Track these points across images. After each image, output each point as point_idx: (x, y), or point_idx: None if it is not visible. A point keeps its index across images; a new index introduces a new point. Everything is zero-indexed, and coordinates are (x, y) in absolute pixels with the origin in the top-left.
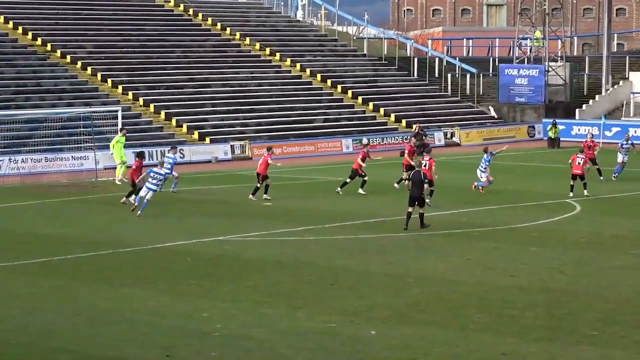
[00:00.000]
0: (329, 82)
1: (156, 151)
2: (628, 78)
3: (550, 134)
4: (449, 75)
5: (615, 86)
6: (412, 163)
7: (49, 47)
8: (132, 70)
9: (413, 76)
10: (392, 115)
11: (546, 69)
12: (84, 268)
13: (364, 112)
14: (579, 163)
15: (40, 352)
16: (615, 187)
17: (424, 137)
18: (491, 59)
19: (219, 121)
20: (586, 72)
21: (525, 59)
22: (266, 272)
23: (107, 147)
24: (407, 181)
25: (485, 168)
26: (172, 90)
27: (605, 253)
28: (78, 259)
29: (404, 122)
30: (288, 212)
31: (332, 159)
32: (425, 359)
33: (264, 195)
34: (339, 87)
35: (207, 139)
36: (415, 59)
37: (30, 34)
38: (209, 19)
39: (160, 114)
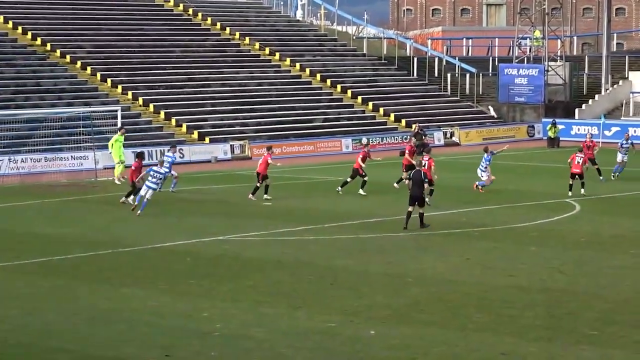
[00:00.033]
0: (328, 81)
1: (156, 151)
2: (627, 78)
3: (550, 134)
4: (449, 75)
5: (615, 86)
6: (413, 162)
7: (48, 47)
8: (131, 70)
9: (412, 76)
10: (392, 115)
11: (546, 68)
12: (83, 268)
13: (363, 111)
14: (578, 162)
15: (39, 352)
16: (615, 186)
17: (423, 137)
18: (491, 58)
19: (219, 121)
20: (586, 71)
21: (525, 59)
22: (266, 271)
23: (107, 147)
24: (407, 180)
25: (485, 167)
26: (171, 90)
27: (604, 253)
28: (77, 258)
29: (403, 121)
30: (288, 211)
31: (332, 158)
32: (425, 359)
33: (265, 196)
34: (339, 86)
35: (207, 139)
36: (415, 59)
37: (29, 33)
38: (209, 18)
39: (159, 113)
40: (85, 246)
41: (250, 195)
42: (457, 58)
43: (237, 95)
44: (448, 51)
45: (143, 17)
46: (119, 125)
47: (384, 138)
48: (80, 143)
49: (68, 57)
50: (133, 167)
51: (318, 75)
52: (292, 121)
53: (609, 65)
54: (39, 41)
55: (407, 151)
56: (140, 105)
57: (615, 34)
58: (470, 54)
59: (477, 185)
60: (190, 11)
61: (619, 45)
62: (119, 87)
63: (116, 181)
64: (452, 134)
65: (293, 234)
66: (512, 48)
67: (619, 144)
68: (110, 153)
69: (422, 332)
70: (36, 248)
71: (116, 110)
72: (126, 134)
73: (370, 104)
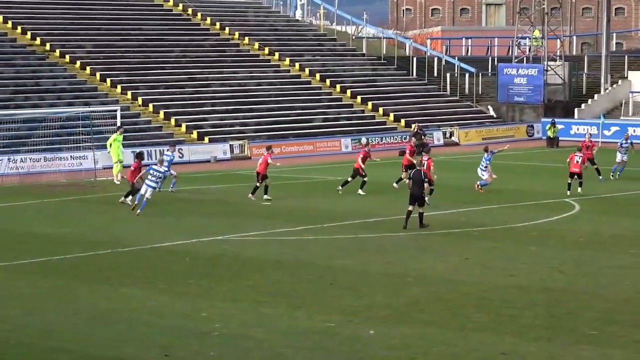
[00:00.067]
0: (327, 81)
1: (155, 151)
2: (627, 77)
3: (549, 134)
4: (448, 75)
5: (614, 85)
6: (414, 162)
7: (47, 47)
8: (131, 70)
9: (412, 76)
10: (391, 115)
11: (545, 68)
12: (83, 268)
13: (362, 111)
14: (577, 161)
15: (40, 352)
16: (615, 186)
17: (423, 137)
18: (490, 58)
19: (218, 120)
20: (585, 71)
21: (524, 59)
22: (265, 271)
23: (106, 147)
24: (408, 180)
25: (485, 167)
26: (171, 89)
27: (604, 252)
28: (77, 258)
29: (402, 121)
30: (287, 211)
31: (331, 158)
32: (424, 359)
33: (265, 196)
34: (338, 86)
35: (206, 139)
36: (414, 59)
37: (29, 33)
38: (208, 18)
39: (159, 113)
40: (85, 246)
41: (250, 194)
42: (456, 58)
43: (236, 95)
44: (447, 51)
45: (142, 17)
46: (118, 123)
47: (383, 138)
48: (79, 143)
49: (67, 56)
50: (132, 168)
51: (317, 75)
52: (292, 121)
53: (608, 65)
54: (38, 41)
55: (407, 151)
56: (139, 105)
57: (614, 34)
58: (469, 54)
59: (478, 185)
60: (190, 11)
61: (619, 45)
62: (119, 87)
63: (115, 180)
64: (451, 134)
65: (292, 233)
66: (511, 48)
67: (619, 144)
68: (109, 152)
69: (421, 331)
70: (36, 248)
71: (115, 110)
72: (126, 134)
73: (370, 103)
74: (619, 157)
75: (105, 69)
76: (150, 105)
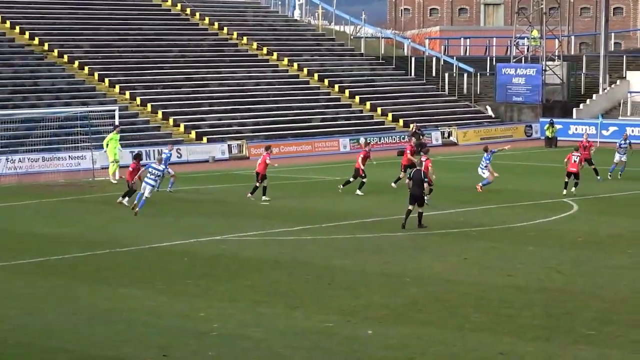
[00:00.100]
0: (326, 81)
1: (153, 150)
2: (625, 77)
3: (548, 134)
4: (446, 75)
5: (613, 85)
6: (414, 161)
7: (46, 47)
8: (129, 70)
9: (410, 75)
10: (390, 115)
11: (543, 68)
12: (81, 268)
13: (361, 111)
14: (574, 161)
15: (38, 352)
16: (613, 186)
17: (421, 137)
18: (488, 58)
19: (216, 120)
20: (583, 71)
21: (523, 58)
22: (263, 271)
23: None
24: (408, 180)
25: (485, 166)
26: (169, 89)
27: (602, 252)
28: (75, 258)
29: (401, 121)
30: (285, 211)
31: (330, 158)
32: (422, 359)
33: (263, 197)
34: (336, 86)
35: (205, 139)
36: (413, 59)
37: (27, 33)
38: (206, 18)
39: (157, 113)
40: (83, 246)
41: (249, 194)
42: (454, 58)
43: (234, 95)
44: (446, 51)
45: (141, 16)
46: (117, 123)
47: (382, 138)
48: (77, 143)
49: (66, 56)
50: (130, 169)
51: (316, 75)
52: (290, 121)
53: (607, 65)
54: (36, 41)
55: (408, 151)
56: (137, 105)
57: (612, 34)
58: (467, 54)
59: (479, 188)
60: (188, 11)
61: (617, 44)
62: (117, 86)
63: (111, 180)
64: (449, 134)
65: (291, 233)
66: (509, 48)
67: (617, 145)
68: (105, 152)
69: (419, 331)
70: (34, 248)
71: (114, 110)
72: (124, 134)
73: (368, 103)
74: (617, 157)
75: (104, 68)
76: (149, 105)
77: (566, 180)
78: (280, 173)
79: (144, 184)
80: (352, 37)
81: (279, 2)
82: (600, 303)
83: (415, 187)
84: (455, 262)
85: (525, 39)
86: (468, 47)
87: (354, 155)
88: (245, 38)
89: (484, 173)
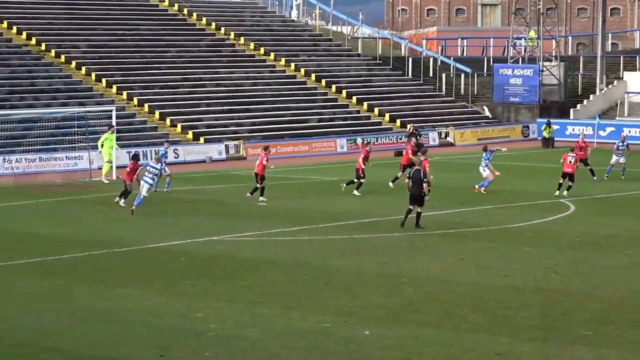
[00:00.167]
0: (323, 81)
1: (150, 151)
2: (622, 78)
3: (545, 134)
4: (444, 75)
5: (610, 86)
6: (415, 161)
7: (43, 47)
8: (126, 70)
9: (407, 76)
10: (387, 115)
11: (540, 68)
12: (79, 268)
13: (358, 112)
14: (570, 162)
15: (37, 352)
16: (610, 187)
17: (418, 137)
18: (485, 58)
19: (214, 121)
20: (580, 71)
21: (520, 59)
22: (261, 272)
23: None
24: (407, 179)
25: (486, 165)
26: (166, 90)
27: (599, 253)
28: (73, 258)
29: (398, 122)
30: (282, 212)
31: (327, 158)
32: (419, 359)
33: (260, 197)
34: (334, 86)
35: (202, 139)
36: (410, 59)
37: (24, 33)
38: (204, 18)
39: (154, 113)
40: (81, 246)
41: (249, 194)
42: (452, 58)
43: (231, 96)
44: (443, 51)
45: (138, 17)
46: (113, 123)
47: (379, 138)
48: (74, 143)
49: (63, 57)
50: (128, 169)
51: (313, 75)
52: (287, 121)
53: (604, 66)
54: (33, 41)
55: (409, 151)
56: (135, 105)
57: (610, 34)
58: (465, 54)
59: (483, 190)
60: (185, 11)
61: (614, 45)
62: (114, 87)
63: (103, 180)
64: (446, 134)
65: (288, 234)
66: (507, 48)
67: (615, 146)
68: (100, 152)
69: (416, 332)
70: (32, 248)
71: (111, 110)
72: (121, 134)
73: (365, 104)
74: (614, 159)
75: (101, 69)
76: (146, 105)
77: (560, 181)
78: (277, 173)
79: (142, 182)
80: (349, 37)
81: (276, 3)
82: (597, 303)
83: (414, 187)
84: (452, 262)
85: (523, 39)
86: (465, 48)
87: (351, 155)
88: (242, 38)
89: (484, 172)
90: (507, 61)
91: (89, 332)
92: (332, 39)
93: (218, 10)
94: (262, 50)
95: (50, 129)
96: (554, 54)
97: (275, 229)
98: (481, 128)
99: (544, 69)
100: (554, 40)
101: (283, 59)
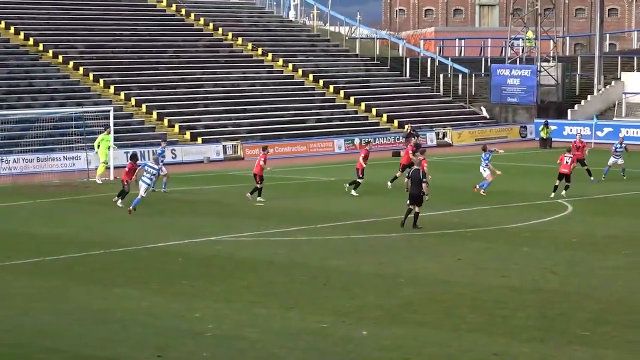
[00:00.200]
0: (321, 82)
1: (148, 151)
2: (620, 78)
3: (542, 135)
4: (441, 76)
5: (607, 86)
6: (414, 160)
7: (41, 47)
8: (124, 70)
9: (405, 76)
10: (385, 116)
11: (538, 69)
12: (77, 268)
13: (356, 112)
14: (567, 162)
15: (34, 352)
16: (607, 187)
17: (415, 137)
18: (483, 59)
19: (211, 121)
20: (578, 72)
21: (518, 59)
22: (259, 272)
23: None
24: (407, 179)
25: (486, 165)
26: (164, 90)
27: (596, 253)
28: (71, 259)
29: (396, 122)
30: (280, 212)
31: (325, 159)
32: (417, 359)
33: (258, 198)
34: (331, 87)
35: (199, 139)
36: (408, 59)
37: (22, 34)
38: (201, 19)
39: (152, 114)
40: (79, 246)
41: (248, 194)
42: (449, 58)
43: (229, 96)
44: (441, 52)
45: (136, 17)
46: (111, 124)
47: (377, 139)
48: (72, 143)
49: (60, 57)
50: (127, 169)
51: (311, 76)
52: (285, 121)
53: (602, 66)
54: (31, 41)
55: (410, 151)
56: (132, 106)
57: (607, 35)
58: (462, 55)
59: (482, 192)
60: (183, 11)
61: (612, 45)
62: (112, 87)
63: (97, 180)
64: (444, 135)
65: (286, 234)
66: (504, 49)
67: (613, 148)
68: (96, 153)
69: (414, 332)
70: (30, 248)
71: (108, 111)
72: (119, 135)
73: (363, 104)
74: (611, 160)
75: (99, 69)
76: (144, 105)
77: (556, 183)
78: (275, 174)
79: (140, 182)
80: (347, 37)
81: (274, 3)
82: (594, 304)
83: (413, 186)
84: (450, 262)
85: (520, 39)
86: (463, 48)
87: (349, 156)
88: (240, 39)
89: (484, 172)
90: (505, 61)
91: (87, 332)
92: (330, 39)
93: (216, 10)
94: (260, 51)
95: (48, 129)
96: (551, 55)
97: (274, 229)
98: (479, 128)
99: (542, 69)
100: (551, 41)
101: (281, 60)
